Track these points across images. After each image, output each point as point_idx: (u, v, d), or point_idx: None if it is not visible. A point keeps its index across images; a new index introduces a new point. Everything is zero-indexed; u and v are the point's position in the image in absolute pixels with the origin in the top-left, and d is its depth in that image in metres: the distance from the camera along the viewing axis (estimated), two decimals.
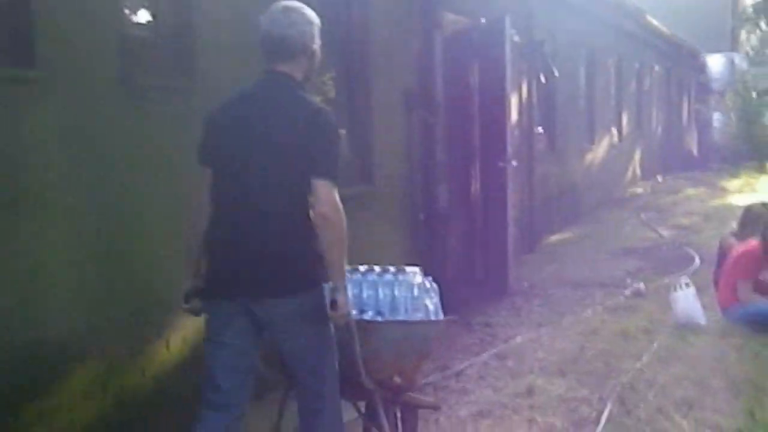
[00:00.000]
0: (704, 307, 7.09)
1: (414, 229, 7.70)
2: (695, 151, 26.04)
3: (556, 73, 10.78)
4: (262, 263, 3.32)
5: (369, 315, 3.82)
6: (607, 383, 5.60)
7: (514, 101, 9.48)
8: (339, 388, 3.56)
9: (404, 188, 7.60)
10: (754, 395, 5.24)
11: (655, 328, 6.89)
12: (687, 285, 7.08)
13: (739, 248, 7.16)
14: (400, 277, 3.93)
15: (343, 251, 3.33)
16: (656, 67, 21.19)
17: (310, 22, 3.48)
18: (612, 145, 16.37)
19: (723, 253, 7.57)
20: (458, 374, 5.96)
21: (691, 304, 6.98)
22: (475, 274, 8.89)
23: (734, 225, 7.85)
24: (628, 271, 9.46)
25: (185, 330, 4.84)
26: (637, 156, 19.09)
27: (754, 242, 7.08)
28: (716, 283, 7.46)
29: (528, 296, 8.30)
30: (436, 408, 4.87)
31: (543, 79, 10.70)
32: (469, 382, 5.79)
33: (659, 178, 20.03)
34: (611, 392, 5.40)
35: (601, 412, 5.08)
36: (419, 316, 3.93)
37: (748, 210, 7.82)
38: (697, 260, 9.75)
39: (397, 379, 3.95)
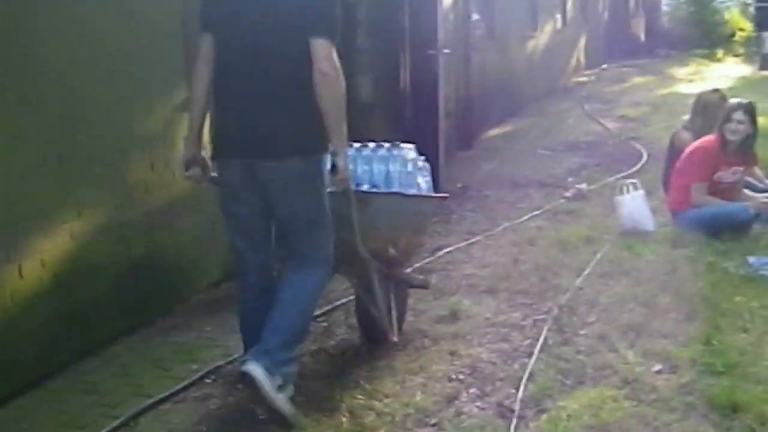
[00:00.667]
0: (653, 211, 6.44)
1: None
2: (642, 37, 25.24)
3: None
4: (269, 125, 3.46)
5: (365, 188, 3.98)
6: (542, 305, 4.94)
7: None
8: (331, 260, 3.68)
9: None
10: (709, 317, 4.61)
11: (598, 236, 6.22)
12: (634, 186, 6.40)
13: (693, 144, 6.47)
14: (395, 152, 4.10)
15: (342, 113, 3.46)
16: None
17: None
18: (555, 32, 15.52)
19: (675, 149, 6.89)
20: None
21: (639, 208, 6.32)
22: None
23: (685, 118, 7.15)
24: (570, 169, 8.76)
25: (44, 253, 4.12)
26: (582, 43, 18.29)
27: (709, 137, 6.40)
28: (666, 183, 6.80)
29: (461, 199, 7.56)
30: (425, 287, 4.78)
31: None
32: None
33: (605, 66, 19.31)
34: (547, 316, 4.74)
35: (534, 341, 4.41)
36: (412, 191, 4.14)
37: (700, 98, 7.13)
38: (645, 156, 9.08)
39: (392, 252, 4.07)
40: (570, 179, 8.17)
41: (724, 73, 17.98)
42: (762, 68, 17.49)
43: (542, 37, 14.52)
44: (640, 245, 5.90)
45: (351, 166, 3.77)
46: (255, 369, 3.39)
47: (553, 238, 6.24)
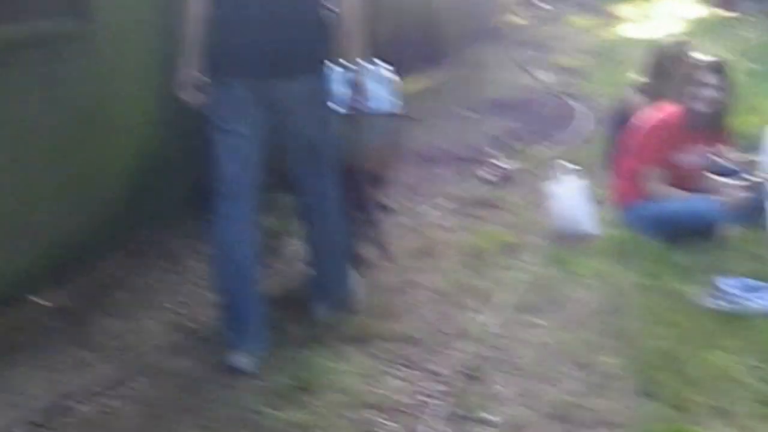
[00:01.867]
0: (596, 202, 4.97)
1: None
2: None
3: None
4: (286, 44, 3.45)
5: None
6: (439, 365, 3.47)
7: None
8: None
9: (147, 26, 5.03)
10: (672, 392, 3.17)
11: (521, 242, 4.75)
12: (573, 172, 4.91)
13: (647, 115, 4.99)
14: (374, 70, 4.03)
15: (365, 25, 3.61)
16: None
17: None
18: None
19: (622, 118, 5.41)
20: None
21: (577, 204, 4.84)
22: None
23: (631, 69, 5.66)
24: (493, 135, 7.19)
25: None
26: None
27: (669, 106, 4.93)
28: (611, 164, 5.33)
29: None
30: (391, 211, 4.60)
31: None
32: None
33: (538, 4, 17.74)
34: (446, 389, 3.26)
35: None
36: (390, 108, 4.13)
37: (657, 52, 5.64)
38: (588, 120, 7.58)
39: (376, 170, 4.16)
40: (491, 151, 6.59)
41: (675, 12, 16.56)
42: (722, 6, 15.90)
43: None
44: (576, 258, 4.43)
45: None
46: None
47: (460, 244, 4.74)
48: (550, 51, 11.76)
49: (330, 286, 3.84)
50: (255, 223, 3.58)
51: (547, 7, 17.70)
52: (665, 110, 4.93)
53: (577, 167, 4.95)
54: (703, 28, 13.08)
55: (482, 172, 6.04)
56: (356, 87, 3.67)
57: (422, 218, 5.21)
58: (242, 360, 3.42)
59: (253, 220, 3.56)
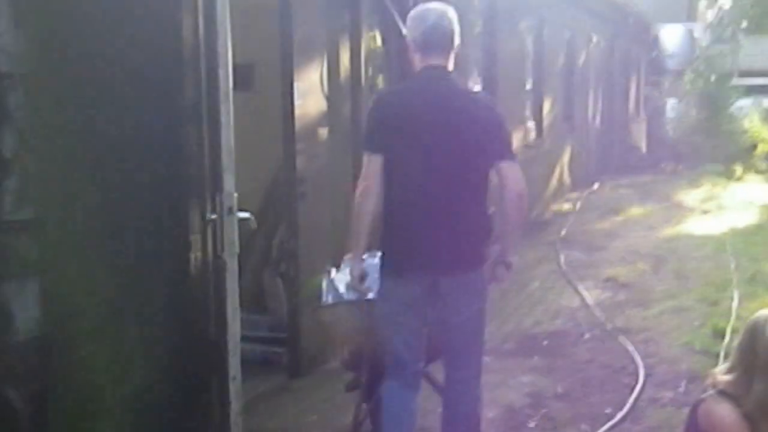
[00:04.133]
0: None
1: None
2: (644, 148, 22.15)
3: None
4: (455, 244, 3.83)
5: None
6: None
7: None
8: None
9: None
10: None
11: None
12: None
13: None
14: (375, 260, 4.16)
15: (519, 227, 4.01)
16: (595, 38, 17.13)
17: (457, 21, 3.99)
18: (527, 146, 12.24)
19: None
20: None
21: None
22: None
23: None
24: (509, 407, 5.29)
25: None
26: (566, 158, 15.01)
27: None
28: None
29: None
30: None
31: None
32: None
33: (595, 186, 16.09)
34: None
35: None
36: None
37: (754, 330, 3.73)
38: (641, 379, 5.66)
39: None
40: None
41: (749, 197, 14.76)
42: None
43: None
44: None
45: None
46: None
47: None
48: (601, 254, 9.97)
49: None
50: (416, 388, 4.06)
51: (606, 188, 16.06)
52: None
53: None
54: None
55: None
56: (509, 265, 4.03)
57: None
58: None
59: (416, 383, 4.05)
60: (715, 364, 5.54)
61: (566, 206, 13.69)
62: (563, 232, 11.20)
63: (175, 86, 4.21)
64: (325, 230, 6.02)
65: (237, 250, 4.16)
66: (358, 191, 3.89)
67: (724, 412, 3.34)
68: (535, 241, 10.82)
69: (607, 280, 8.48)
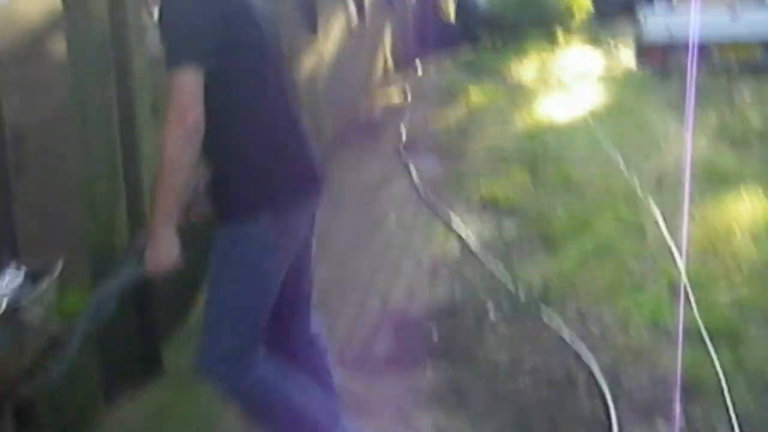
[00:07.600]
0: None
1: None
2: (453, 19, 20.51)
3: None
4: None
5: None
6: None
7: None
8: None
9: None
10: None
11: None
12: None
13: None
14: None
15: None
16: None
17: None
18: (350, 32, 10.29)
19: None
20: None
21: None
22: None
23: None
24: None
25: None
26: (388, 41, 13.16)
27: None
28: None
29: None
30: None
31: None
32: None
33: (419, 69, 14.39)
34: None
35: None
36: None
37: None
38: (613, 414, 3.72)
39: None
40: None
41: (581, 67, 13.53)
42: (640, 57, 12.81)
43: (328, 44, 9.27)
44: None
45: None
46: None
47: None
48: (459, 160, 8.21)
49: None
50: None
51: (431, 70, 14.38)
52: None
53: None
54: (636, 86, 10.12)
55: None
56: None
57: None
58: None
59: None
60: (707, 354, 3.97)
61: (396, 98, 11.87)
62: (404, 136, 9.36)
63: None
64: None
65: None
66: (174, 129, 2.68)
67: None
68: (372, 150, 8.98)
69: (483, 202, 6.72)
